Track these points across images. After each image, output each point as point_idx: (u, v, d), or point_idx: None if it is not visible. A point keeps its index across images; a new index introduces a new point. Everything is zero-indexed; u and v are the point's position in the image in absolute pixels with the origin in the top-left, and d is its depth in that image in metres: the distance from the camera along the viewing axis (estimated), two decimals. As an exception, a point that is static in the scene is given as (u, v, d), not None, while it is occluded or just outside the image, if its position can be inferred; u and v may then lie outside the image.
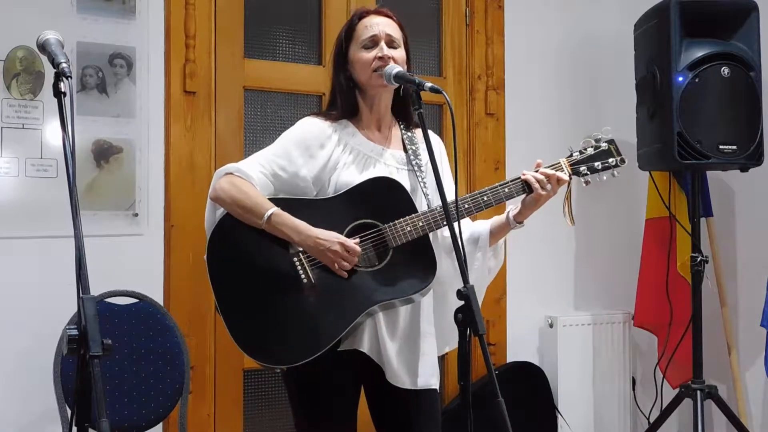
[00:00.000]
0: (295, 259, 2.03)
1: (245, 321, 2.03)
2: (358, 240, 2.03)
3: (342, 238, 2.01)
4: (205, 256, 2.07)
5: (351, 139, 2.13)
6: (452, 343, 2.22)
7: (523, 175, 2.10)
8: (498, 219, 2.18)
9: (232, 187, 2.04)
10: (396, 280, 2.04)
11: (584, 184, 2.17)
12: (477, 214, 2.12)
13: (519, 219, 2.13)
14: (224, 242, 2.06)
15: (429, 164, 2.14)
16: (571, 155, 2.16)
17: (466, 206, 2.09)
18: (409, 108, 2.19)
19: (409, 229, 2.03)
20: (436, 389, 2.18)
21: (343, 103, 2.16)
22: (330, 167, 2.09)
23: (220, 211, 2.09)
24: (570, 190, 2.17)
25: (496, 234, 2.18)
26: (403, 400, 2.12)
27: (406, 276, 2.04)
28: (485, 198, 2.09)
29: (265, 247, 2.04)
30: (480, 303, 2.02)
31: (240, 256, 2.05)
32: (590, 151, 2.16)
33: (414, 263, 2.05)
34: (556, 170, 2.12)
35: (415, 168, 2.15)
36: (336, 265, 2.00)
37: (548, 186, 2.08)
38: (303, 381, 2.09)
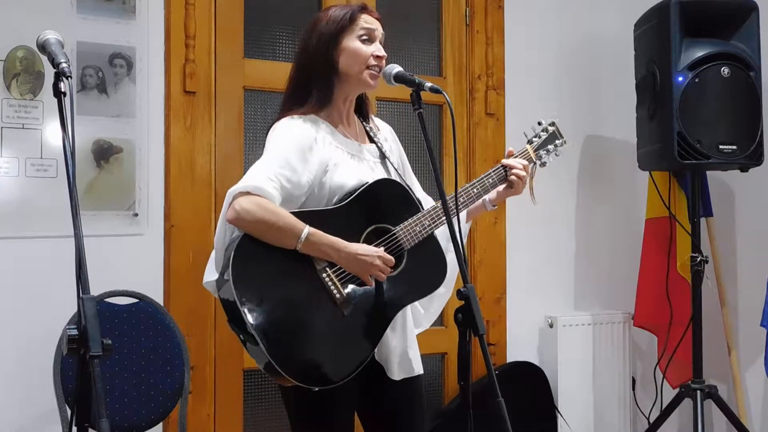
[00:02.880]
0: (324, 275, 1.97)
1: (288, 345, 1.91)
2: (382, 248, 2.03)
3: (380, 251, 2.00)
4: (205, 282, 2.04)
5: (332, 138, 2.08)
6: (424, 324, 2.28)
7: (510, 170, 2.22)
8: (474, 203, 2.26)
9: (258, 208, 1.91)
10: (416, 281, 2.07)
11: (540, 166, 2.34)
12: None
13: (495, 203, 2.28)
14: (249, 266, 1.93)
15: (391, 155, 2.21)
16: (530, 141, 2.34)
17: (462, 200, 2.15)
18: (364, 104, 2.23)
19: (418, 229, 2.06)
20: (422, 373, 2.19)
21: (320, 91, 2.08)
22: (321, 169, 2.04)
23: (229, 228, 1.98)
24: (534, 172, 2.33)
25: (470, 215, 2.30)
26: (396, 392, 2.12)
27: (425, 275, 2.09)
28: (475, 190, 2.18)
29: (291, 267, 1.95)
30: (453, 285, 2.16)
31: (269, 282, 1.94)
32: (543, 135, 2.34)
33: (428, 261, 2.09)
34: (524, 157, 2.29)
35: (387, 159, 2.17)
36: (376, 276, 2.00)
37: (527, 179, 2.25)
38: (305, 391, 1.97)
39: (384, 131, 2.28)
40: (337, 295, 1.98)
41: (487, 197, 2.24)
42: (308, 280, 1.96)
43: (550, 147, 2.34)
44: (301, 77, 2.11)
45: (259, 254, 1.94)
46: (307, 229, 1.93)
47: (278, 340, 1.89)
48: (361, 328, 2.01)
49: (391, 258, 2.01)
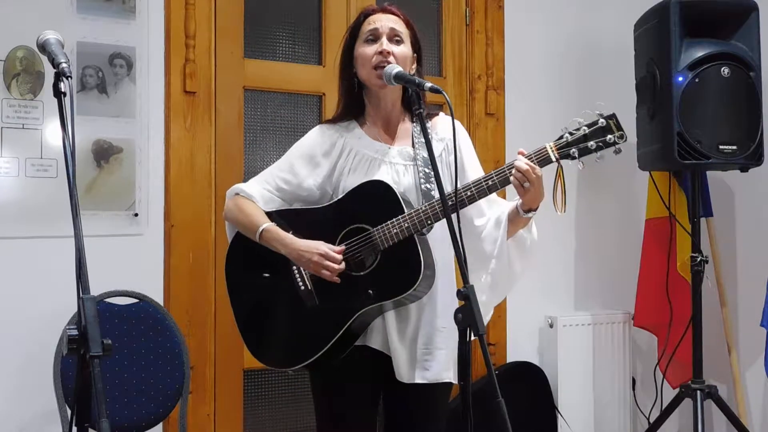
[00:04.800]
0: (294, 267, 2.12)
1: (253, 327, 2.18)
2: (343, 247, 2.06)
3: (322, 248, 2.04)
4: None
5: (356, 143, 2.16)
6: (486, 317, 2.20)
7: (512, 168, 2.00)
8: (511, 206, 2.12)
9: (234, 208, 2.19)
10: (381, 283, 2.05)
11: (580, 167, 2.02)
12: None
13: (524, 209, 2.06)
14: (236, 256, 2.22)
15: (443, 156, 2.17)
16: (561, 137, 2.02)
17: (450, 203, 2.00)
18: (417, 104, 2.13)
19: (395, 231, 2.03)
20: (449, 382, 2.17)
21: (348, 102, 2.19)
22: (336, 174, 2.15)
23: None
24: (561, 175, 2.03)
25: (513, 220, 2.11)
26: (414, 394, 2.13)
27: (392, 278, 2.04)
28: (468, 193, 2.03)
29: (271, 258, 2.12)
30: (512, 280, 2.15)
31: (249, 268, 2.19)
32: (584, 130, 2.00)
33: (401, 264, 2.04)
34: (541, 156, 2.00)
35: (418, 162, 2.14)
36: (320, 273, 2.05)
37: (526, 184, 1.97)
38: (326, 381, 2.16)
39: (442, 132, 2.18)
40: (302, 287, 2.11)
41: (517, 203, 2.07)
42: (282, 271, 2.13)
43: (591, 144, 1.99)
44: (339, 90, 2.24)
45: (247, 246, 2.18)
46: (263, 227, 2.11)
47: (243, 316, 2.19)
48: (319, 322, 2.08)
49: (334, 255, 2.03)
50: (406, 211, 2.04)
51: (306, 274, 2.11)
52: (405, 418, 2.19)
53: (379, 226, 2.05)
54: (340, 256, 2.04)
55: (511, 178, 1.99)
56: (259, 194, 2.19)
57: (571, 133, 2.02)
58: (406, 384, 2.11)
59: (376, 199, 2.08)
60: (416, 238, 2.04)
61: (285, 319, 2.14)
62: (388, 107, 2.18)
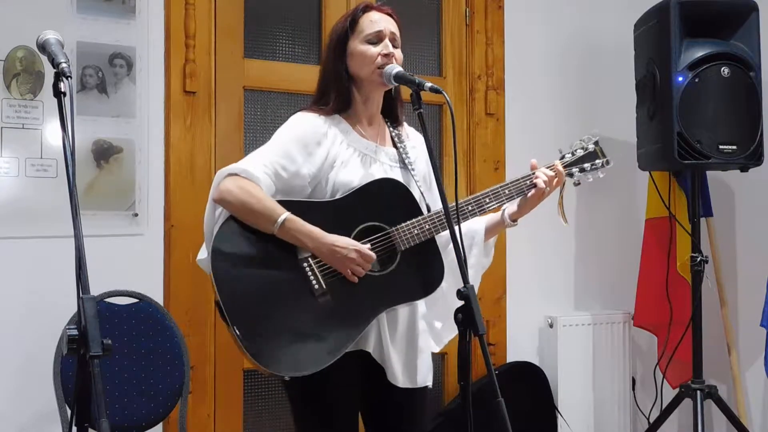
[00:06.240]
0: (305, 264, 1.98)
1: (256, 329, 1.93)
2: (369, 245, 2.01)
3: (358, 245, 1.98)
4: (198, 259, 2.04)
5: (345, 136, 2.10)
6: (444, 341, 2.24)
7: (534, 177, 2.15)
8: (493, 217, 2.21)
9: (240, 190, 1.95)
10: (406, 284, 2.04)
11: (574, 185, 2.25)
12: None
13: (514, 218, 2.19)
14: (229, 247, 1.97)
15: (417, 162, 2.18)
16: (563, 157, 2.23)
17: (470, 208, 2.09)
18: (396, 107, 2.21)
19: (416, 232, 2.03)
20: (429, 386, 2.16)
21: (338, 96, 2.11)
22: (327, 165, 2.06)
23: (219, 211, 2.01)
24: (563, 191, 2.24)
25: (490, 231, 2.22)
26: (399, 398, 2.11)
27: (417, 279, 2.04)
28: (487, 200, 2.10)
29: (272, 252, 1.97)
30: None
31: (246, 262, 1.97)
32: (580, 152, 2.24)
33: (423, 266, 2.05)
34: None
35: (408, 166, 2.16)
36: (349, 271, 1.98)
37: (546, 188, 2.14)
38: (308, 387, 2.02)
39: (414, 140, 2.25)
40: (316, 287, 1.98)
41: (506, 212, 2.18)
42: (288, 268, 1.97)
43: (586, 165, 2.23)
44: (321, 83, 2.17)
45: (242, 236, 1.96)
46: (284, 216, 1.94)
47: (248, 324, 1.92)
48: (338, 324, 1.98)
49: (371, 254, 1.98)
50: (424, 212, 2.06)
51: (319, 272, 1.98)
52: (394, 422, 2.15)
53: (398, 226, 2.03)
54: (374, 255, 1.98)
55: (538, 180, 2.13)
56: (263, 178, 1.98)
57: (572, 154, 2.24)
58: (396, 388, 2.07)
59: (391, 198, 2.06)
60: (436, 241, 2.06)
61: (297, 322, 1.96)
62: (374, 107, 2.17)
